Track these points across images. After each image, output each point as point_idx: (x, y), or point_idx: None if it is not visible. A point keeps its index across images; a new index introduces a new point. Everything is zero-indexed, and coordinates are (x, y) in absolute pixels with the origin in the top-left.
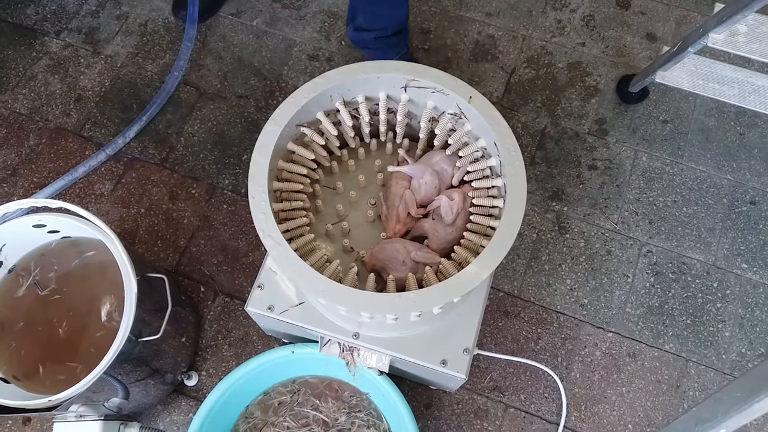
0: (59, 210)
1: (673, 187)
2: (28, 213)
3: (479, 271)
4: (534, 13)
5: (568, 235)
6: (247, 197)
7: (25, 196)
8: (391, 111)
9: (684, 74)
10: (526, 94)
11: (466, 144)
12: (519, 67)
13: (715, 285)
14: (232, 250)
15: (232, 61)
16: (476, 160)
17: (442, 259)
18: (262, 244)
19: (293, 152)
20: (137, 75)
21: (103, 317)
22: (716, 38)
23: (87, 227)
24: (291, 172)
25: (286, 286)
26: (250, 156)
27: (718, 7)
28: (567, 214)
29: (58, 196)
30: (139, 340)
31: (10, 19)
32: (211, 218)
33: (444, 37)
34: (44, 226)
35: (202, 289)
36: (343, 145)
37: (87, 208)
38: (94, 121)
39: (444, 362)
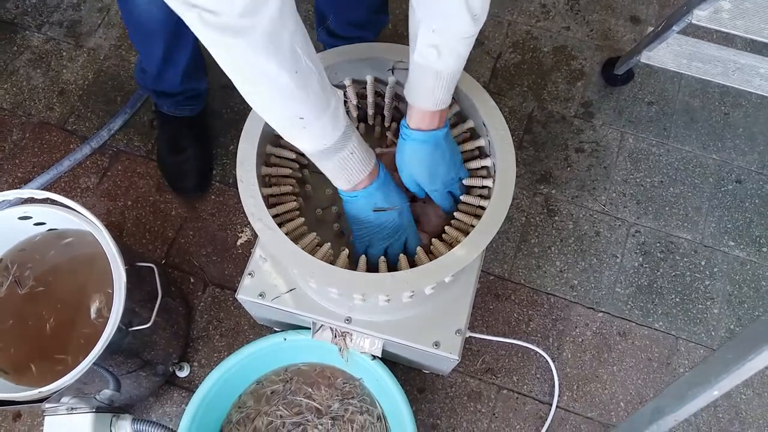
0: (45, 201)
1: (659, 168)
2: (13, 205)
3: (470, 250)
4: None
5: (556, 218)
6: (235, 187)
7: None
8: (378, 94)
9: (669, 54)
10: (513, 79)
11: (454, 125)
12: (505, 52)
13: (702, 263)
14: (221, 240)
15: None
16: (465, 141)
17: (434, 239)
18: (253, 231)
19: (281, 137)
20: (121, 67)
21: (93, 314)
22: (700, 15)
23: (74, 218)
24: (279, 157)
25: (276, 272)
26: (237, 146)
27: None
28: (555, 196)
29: (44, 189)
30: (129, 329)
31: None
32: (199, 209)
33: None
34: (30, 218)
35: (192, 280)
36: None
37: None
38: (78, 115)
39: (437, 344)
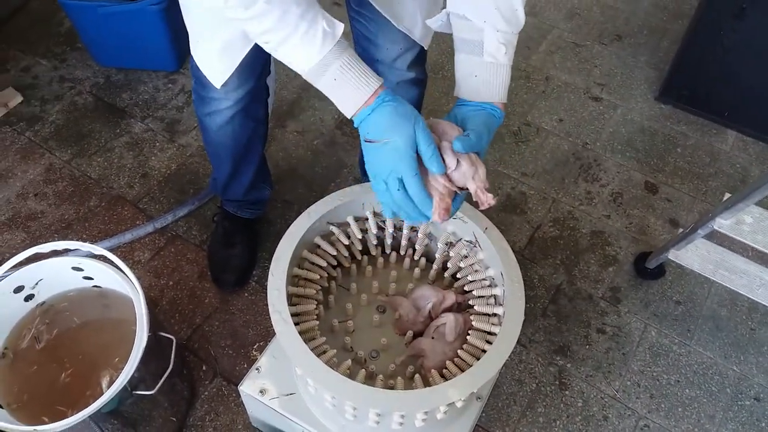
0: (100, 258)
1: (678, 367)
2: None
3: (468, 383)
4: (566, 181)
5: (567, 392)
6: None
7: None
8: (413, 229)
9: (696, 257)
10: (548, 250)
11: (476, 271)
12: (544, 225)
13: None
14: (241, 336)
15: (287, 170)
16: (484, 288)
17: (434, 370)
18: (270, 333)
19: (318, 246)
20: (201, 165)
21: (104, 387)
22: (723, 223)
23: (119, 278)
24: (312, 263)
25: (281, 374)
26: None
27: (727, 196)
28: (570, 371)
29: None
30: (134, 392)
31: (106, 99)
32: (231, 303)
33: None
34: (82, 270)
35: (204, 368)
36: (365, 251)
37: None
38: (152, 197)
39: None
